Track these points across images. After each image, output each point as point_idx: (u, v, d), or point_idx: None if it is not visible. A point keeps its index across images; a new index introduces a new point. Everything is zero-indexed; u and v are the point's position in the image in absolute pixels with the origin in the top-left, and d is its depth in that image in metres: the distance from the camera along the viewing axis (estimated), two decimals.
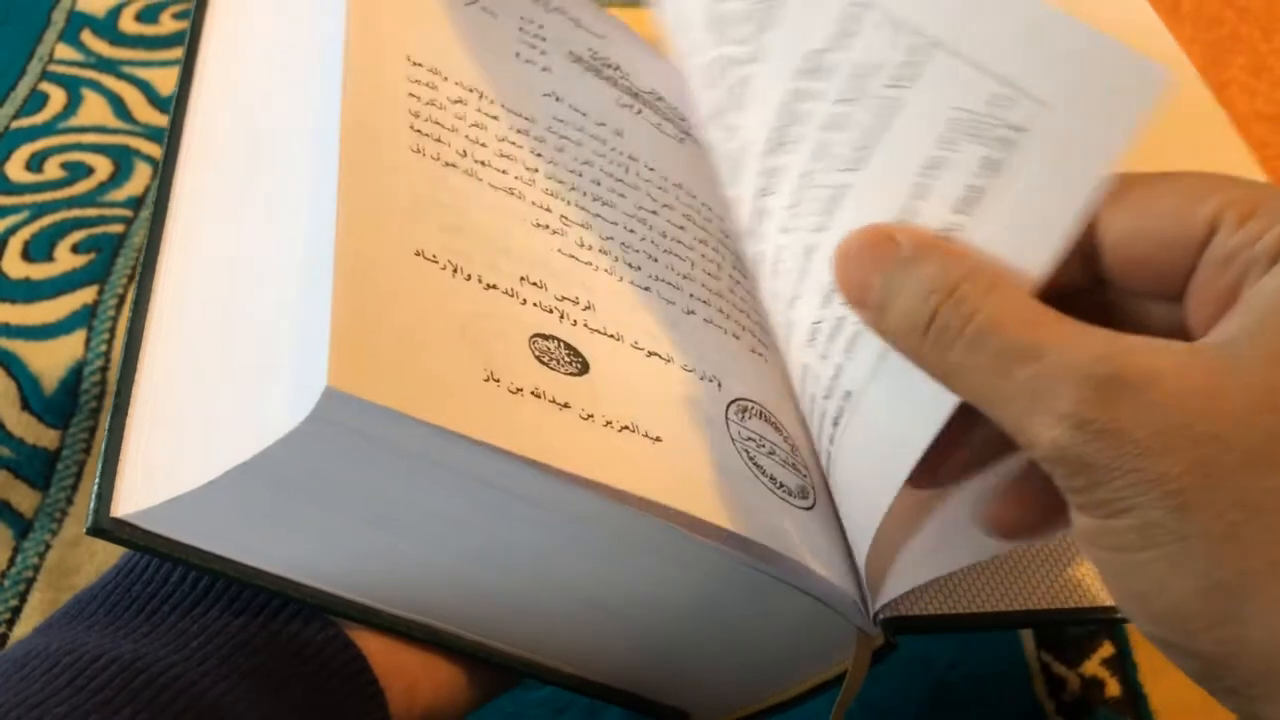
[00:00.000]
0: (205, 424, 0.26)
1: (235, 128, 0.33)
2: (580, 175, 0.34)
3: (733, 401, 0.31)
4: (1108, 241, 0.25)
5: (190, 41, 0.35)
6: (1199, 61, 0.76)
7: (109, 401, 0.50)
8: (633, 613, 0.30)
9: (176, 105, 0.34)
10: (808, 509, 0.31)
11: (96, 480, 0.26)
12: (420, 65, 0.33)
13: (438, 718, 0.31)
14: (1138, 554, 0.22)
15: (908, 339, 0.25)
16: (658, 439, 0.28)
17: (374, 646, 0.29)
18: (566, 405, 0.27)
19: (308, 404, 0.24)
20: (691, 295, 0.33)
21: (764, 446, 0.31)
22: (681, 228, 0.36)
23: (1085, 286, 0.26)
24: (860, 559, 0.30)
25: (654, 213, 0.35)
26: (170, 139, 0.33)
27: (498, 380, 0.26)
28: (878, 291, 0.25)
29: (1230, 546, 0.21)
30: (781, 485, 0.30)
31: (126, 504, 0.26)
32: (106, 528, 0.25)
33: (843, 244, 0.26)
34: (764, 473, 0.30)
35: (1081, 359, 0.22)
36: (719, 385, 0.31)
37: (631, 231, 0.34)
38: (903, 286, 0.25)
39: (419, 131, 0.31)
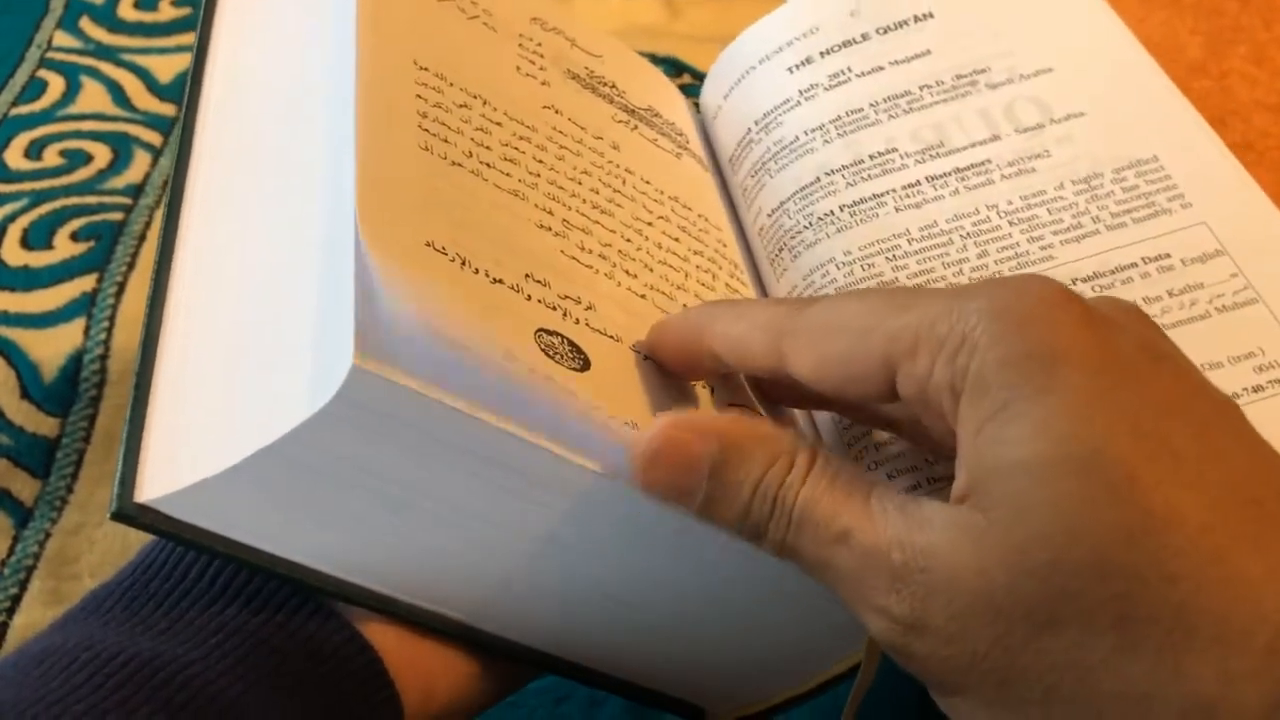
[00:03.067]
0: (229, 408, 0.26)
1: (248, 118, 0.33)
2: (580, 183, 0.35)
3: (728, 406, 0.32)
4: (808, 383, 0.26)
5: (202, 28, 0.36)
6: (1200, 51, 0.76)
7: (109, 390, 0.50)
8: (652, 605, 0.30)
9: (189, 94, 0.34)
10: None
11: (119, 466, 0.26)
12: (426, 70, 0.33)
13: (455, 712, 0.31)
14: None
15: (742, 535, 0.26)
16: None
17: (390, 643, 0.29)
18: (574, 395, 0.27)
19: (334, 384, 0.24)
20: (685, 306, 0.34)
21: None
22: (676, 239, 0.36)
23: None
24: None
25: (649, 224, 0.36)
26: (184, 129, 0.33)
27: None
28: (700, 496, 0.26)
29: (1055, 706, 0.22)
30: None
31: (150, 490, 0.26)
32: (130, 513, 0.25)
33: (644, 448, 0.26)
34: None
35: (880, 546, 0.23)
36: (711, 391, 0.32)
37: (628, 240, 0.34)
38: (723, 491, 0.25)
39: (427, 131, 0.31)
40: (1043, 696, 0.22)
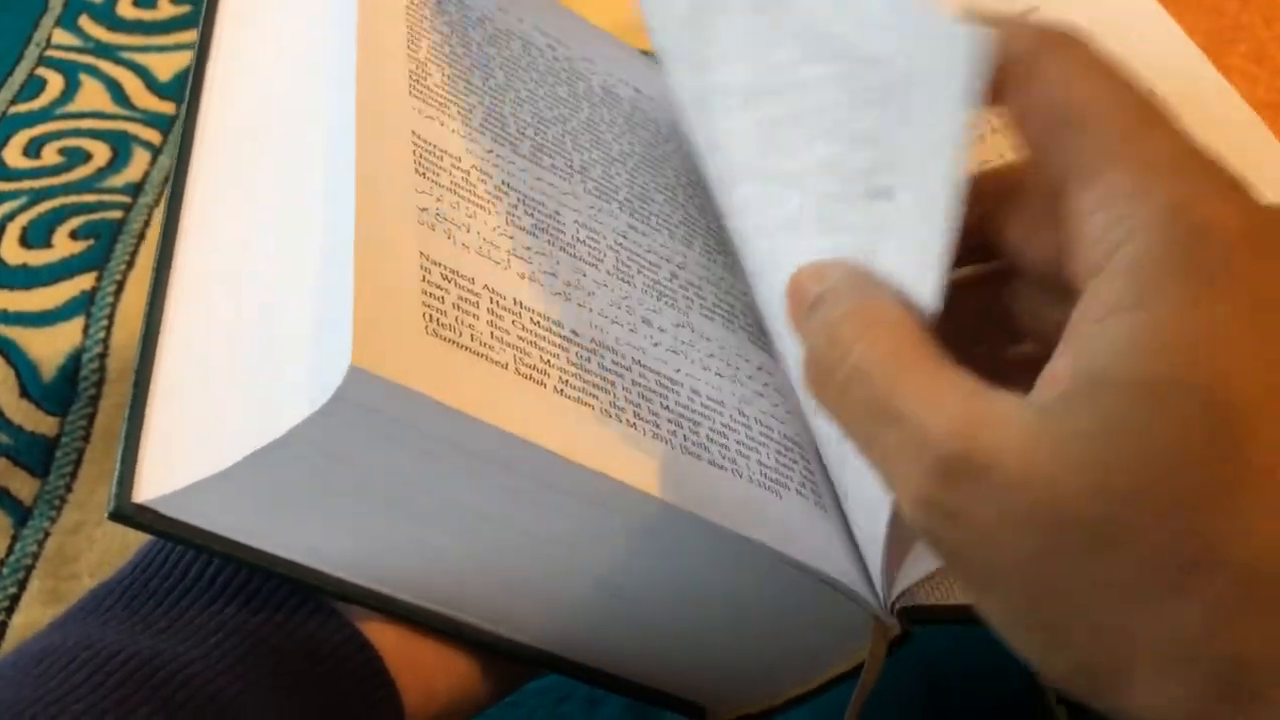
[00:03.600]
0: (227, 408, 0.26)
1: (248, 118, 0.33)
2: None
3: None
4: (1013, 106, 0.24)
5: (204, 26, 0.36)
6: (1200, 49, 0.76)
7: (108, 389, 0.50)
8: (651, 602, 0.30)
9: (191, 92, 0.34)
10: (818, 500, 0.31)
11: (117, 466, 0.26)
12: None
13: (455, 712, 0.31)
14: (1010, 632, 0.22)
15: (805, 382, 0.25)
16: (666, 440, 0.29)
17: (390, 642, 0.29)
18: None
19: (332, 385, 0.24)
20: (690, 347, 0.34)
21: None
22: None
23: (984, 277, 0.26)
24: (875, 546, 0.30)
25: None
26: (185, 127, 0.33)
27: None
28: (801, 323, 0.25)
29: (1088, 634, 0.21)
30: (789, 485, 0.31)
31: (148, 490, 0.26)
32: (128, 513, 0.25)
33: (794, 273, 0.26)
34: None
35: (935, 431, 0.21)
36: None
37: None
38: (807, 325, 0.25)
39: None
40: (1076, 619, 0.21)
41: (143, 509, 0.25)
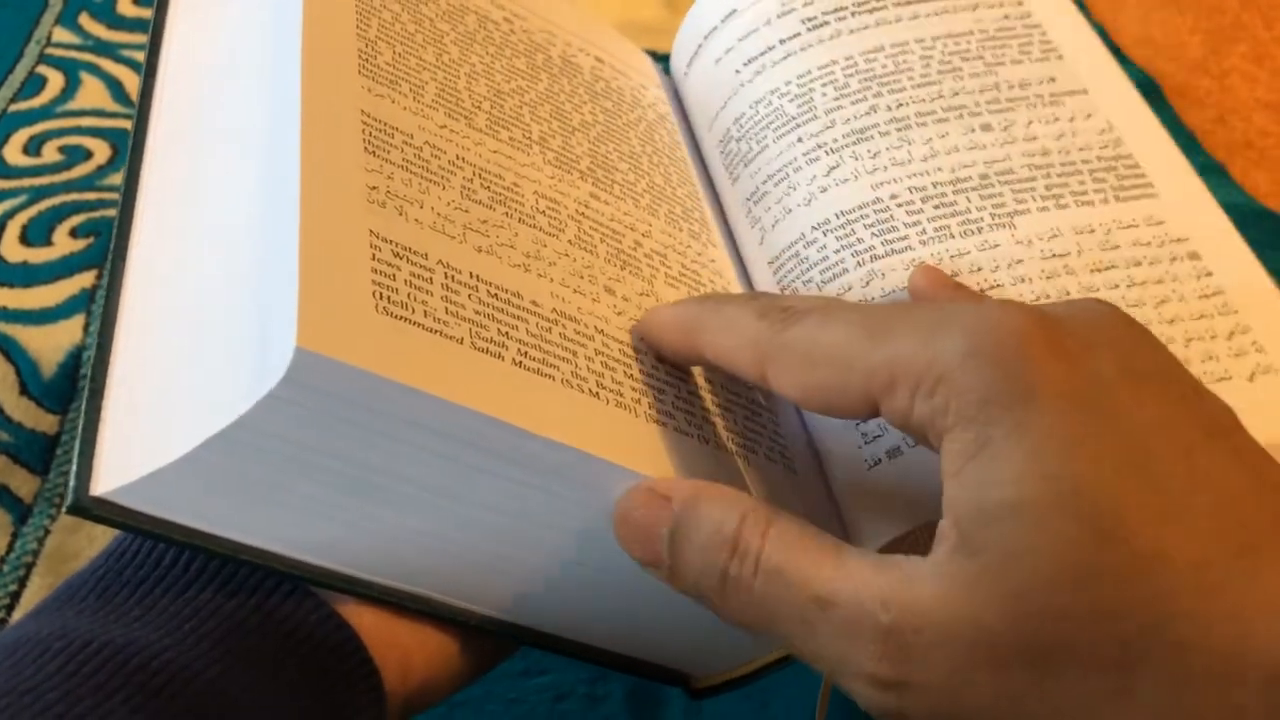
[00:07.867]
0: (180, 396, 0.26)
1: (196, 105, 0.33)
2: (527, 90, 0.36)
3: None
4: (793, 403, 0.26)
5: (155, 20, 0.36)
6: (1201, 50, 0.76)
7: None
8: (621, 571, 0.30)
9: (144, 83, 0.34)
10: (787, 464, 0.32)
11: (75, 460, 0.26)
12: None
13: (434, 689, 0.30)
14: None
15: (709, 601, 0.25)
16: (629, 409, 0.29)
17: (366, 622, 0.29)
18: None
19: (278, 368, 0.24)
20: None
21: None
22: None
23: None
24: (843, 506, 0.31)
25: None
26: (139, 118, 0.33)
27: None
28: (665, 554, 0.26)
29: None
30: (757, 449, 0.31)
31: (105, 482, 0.25)
32: (86, 506, 0.25)
33: (619, 505, 0.27)
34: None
35: (868, 606, 0.22)
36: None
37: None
38: (685, 546, 0.25)
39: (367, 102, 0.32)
40: None
41: (101, 501, 0.25)
